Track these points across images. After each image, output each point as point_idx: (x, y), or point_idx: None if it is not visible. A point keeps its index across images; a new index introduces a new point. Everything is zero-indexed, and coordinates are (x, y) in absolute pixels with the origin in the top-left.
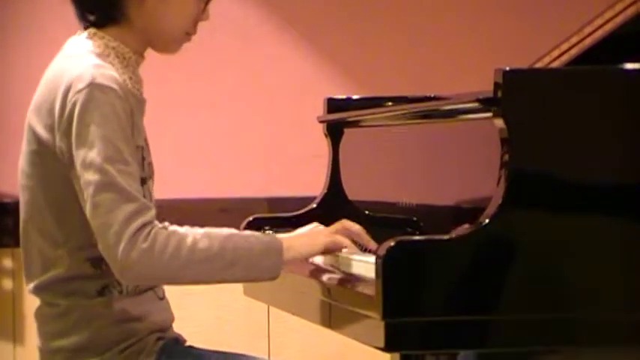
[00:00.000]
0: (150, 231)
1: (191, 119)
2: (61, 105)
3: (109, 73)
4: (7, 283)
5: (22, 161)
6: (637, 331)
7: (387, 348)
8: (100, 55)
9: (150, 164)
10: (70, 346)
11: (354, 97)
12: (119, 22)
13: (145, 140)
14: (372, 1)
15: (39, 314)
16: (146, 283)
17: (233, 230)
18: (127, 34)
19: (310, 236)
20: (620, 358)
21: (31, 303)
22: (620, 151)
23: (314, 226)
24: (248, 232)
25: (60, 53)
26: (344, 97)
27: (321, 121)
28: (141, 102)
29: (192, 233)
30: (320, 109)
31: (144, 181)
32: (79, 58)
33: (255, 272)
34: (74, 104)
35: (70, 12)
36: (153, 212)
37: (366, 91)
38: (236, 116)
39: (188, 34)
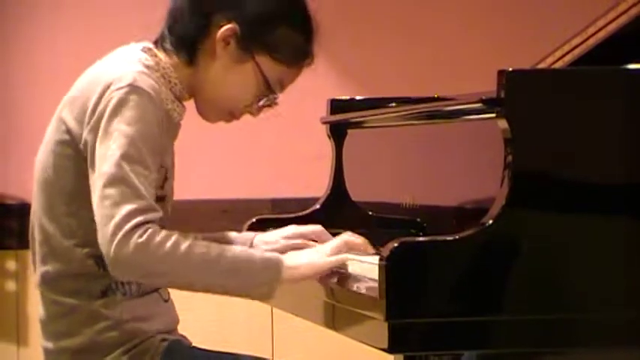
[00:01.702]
0: (149, 228)
1: (194, 120)
2: (96, 100)
3: (150, 81)
4: (11, 285)
5: (43, 149)
6: None
7: (391, 349)
8: (147, 67)
9: (171, 188)
10: (74, 347)
11: (358, 98)
12: (186, 59)
13: (173, 163)
14: (375, 2)
15: (43, 313)
16: (136, 279)
17: (236, 246)
18: (184, 71)
19: (314, 259)
20: (624, 359)
21: (35, 304)
22: (623, 151)
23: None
24: (250, 250)
25: (108, 56)
26: (347, 98)
27: (324, 122)
28: (175, 125)
29: (192, 237)
30: (323, 110)
31: (162, 199)
32: (125, 63)
33: (250, 287)
34: (109, 101)
35: (73, 16)
36: (158, 214)
37: (368, 92)
38: None
39: (231, 115)
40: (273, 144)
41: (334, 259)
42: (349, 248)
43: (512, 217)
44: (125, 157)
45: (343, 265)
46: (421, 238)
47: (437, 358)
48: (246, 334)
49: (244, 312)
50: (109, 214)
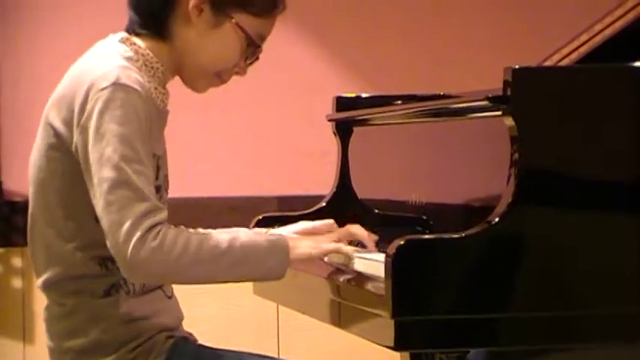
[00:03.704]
0: (159, 230)
1: (200, 118)
2: (82, 101)
3: (134, 76)
4: (17, 282)
5: (35, 154)
6: None
7: (397, 347)
8: (128, 59)
9: (165, 176)
10: (79, 347)
11: (364, 95)
12: (160, 36)
13: (164, 152)
14: (381, 0)
15: (47, 313)
16: (154, 282)
17: (240, 229)
18: (163, 48)
19: (315, 241)
20: (631, 355)
21: (41, 302)
22: (630, 149)
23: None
24: (254, 231)
25: (88, 52)
26: (353, 95)
27: (330, 120)
28: (163, 113)
29: (200, 232)
30: (329, 108)
31: (157, 190)
32: (106, 58)
33: (262, 271)
34: (96, 101)
35: (75, 13)
36: (164, 214)
37: (374, 89)
38: (245, 115)
39: (219, 78)
40: (279, 141)
41: (336, 239)
42: (350, 234)
43: (518, 215)
44: (123, 158)
45: (349, 263)
46: (427, 236)
47: (443, 356)
48: (252, 331)
49: (250, 309)
50: (118, 220)
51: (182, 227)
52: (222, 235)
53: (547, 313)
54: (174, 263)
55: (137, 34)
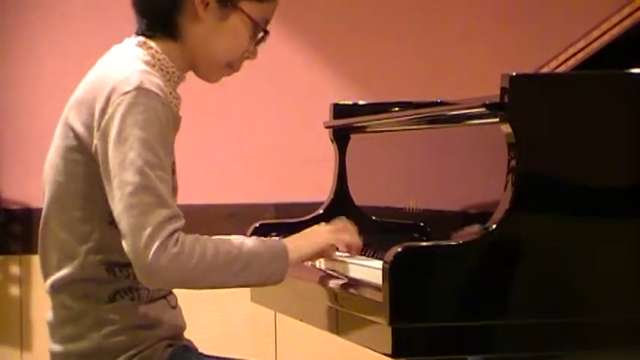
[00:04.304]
0: (178, 237)
1: (197, 124)
2: (103, 105)
3: (156, 81)
4: (15, 290)
5: (53, 156)
6: None
7: (395, 354)
8: (147, 63)
9: (176, 180)
10: (80, 351)
11: (361, 102)
12: (170, 36)
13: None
14: (379, 6)
15: (53, 317)
16: (170, 287)
17: (243, 236)
18: (174, 49)
19: (311, 236)
20: None
21: (39, 310)
22: (627, 155)
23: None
24: (255, 238)
25: (106, 56)
26: (350, 102)
27: (327, 127)
28: (177, 119)
29: (213, 238)
30: (327, 115)
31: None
32: (127, 63)
33: (265, 276)
34: (118, 105)
35: (76, 17)
36: (182, 221)
37: (372, 96)
38: (243, 121)
39: (231, 68)
40: (276, 148)
41: (333, 235)
42: (344, 229)
43: (515, 222)
44: (147, 164)
45: (346, 270)
46: (425, 243)
47: None
48: (250, 339)
49: (247, 317)
50: (139, 223)
51: (197, 235)
52: (232, 241)
53: (545, 320)
54: (193, 270)
55: (150, 37)
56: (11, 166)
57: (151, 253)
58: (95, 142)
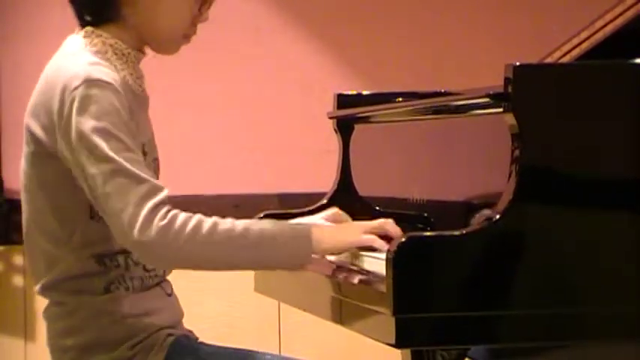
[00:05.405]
0: (168, 210)
1: (201, 115)
2: (59, 105)
3: (105, 70)
4: (19, 280)
5: (23, 163)
6: None
7: (398, 344)
8: (97, 53)
9: (155, 160)
10: (79, 344)
11: (365, 92)
12: (114, 21)
13: (152, 136)
14: None
15: (47, 313)
16: (169, 264)
17: (268, 220)
18: (122, 31)
19: (345, 232)
20: (631, 352)
21: (42, 300)
22: (631, 146)
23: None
24: (280, 222)
25: (58, 52)
26: (354, 92)
27: (330, 117)
28: (143, 98)
29: (214, 217)
30: (330, 105)
31: None
32: (74, 57)
33: (280, 258)
34: (72, 102)
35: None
36: (165, 192)
37: (375, 86)
38: (246, 112)
39: (186, 36)
40: (280, 139)
41: (365, 237)
42: (384, 230)
43: (519, 212)
44: (111, 149)
45: (349, 260)
46: (428, 233)
47: (444, 353)
48: (253, 328)
49: (251, 307)
50: (119, 207)
51: (199, 214)
52: (240, 220)
53: (548, 311)
54: (188, 242)
55: (96, 26)
56: (14, 156)
57: (136, 230)
58: (59, 143)
